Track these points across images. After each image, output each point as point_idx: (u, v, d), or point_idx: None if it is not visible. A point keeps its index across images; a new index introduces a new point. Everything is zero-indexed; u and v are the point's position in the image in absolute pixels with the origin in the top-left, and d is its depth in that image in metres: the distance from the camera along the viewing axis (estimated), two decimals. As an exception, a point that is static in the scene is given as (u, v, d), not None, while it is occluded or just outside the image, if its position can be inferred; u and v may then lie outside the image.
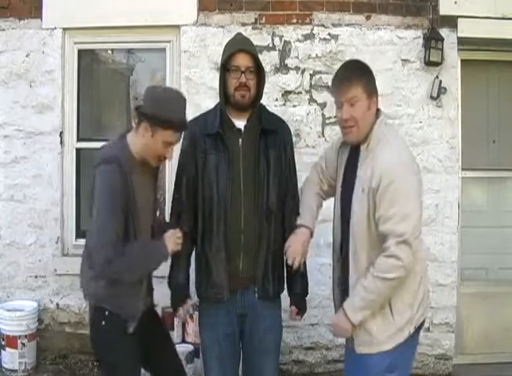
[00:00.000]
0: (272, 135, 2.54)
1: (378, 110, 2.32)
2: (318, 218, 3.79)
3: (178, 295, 2.61)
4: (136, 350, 2.42)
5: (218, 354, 2.53)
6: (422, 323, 2.31)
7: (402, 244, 2.10)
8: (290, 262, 2.39)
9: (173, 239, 2.39)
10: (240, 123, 2.52)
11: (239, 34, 2.71)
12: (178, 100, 2.37)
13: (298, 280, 2.62)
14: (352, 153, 2.35)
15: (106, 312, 2.36)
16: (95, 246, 2.27)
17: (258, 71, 2.51)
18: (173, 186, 2.66)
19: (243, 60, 2.46)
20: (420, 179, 2.25)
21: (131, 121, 4.28)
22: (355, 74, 2.26)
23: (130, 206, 2.31)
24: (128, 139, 2.39)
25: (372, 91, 2.27)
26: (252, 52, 2.49)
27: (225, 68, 2.48)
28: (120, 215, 2.27)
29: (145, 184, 2.45)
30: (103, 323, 2.37)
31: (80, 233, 4.17)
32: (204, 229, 2.51)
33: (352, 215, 2.25)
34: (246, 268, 2.50)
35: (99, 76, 4.37)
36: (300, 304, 2.65)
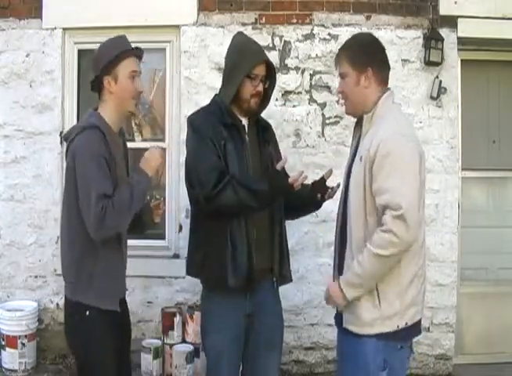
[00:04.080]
0: (266, 131, 2.71)
1: (388, 89, 2.32)
2: (317, 219, 3.83)
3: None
4: (114, 344, 2.37)
5: (228, 357, 2.53)
6: (417, 326, 2.26)
7: (397, 220, 2.04)
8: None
9: (152, 161, 2.36)
10: (244, 120, 2.61)
11: (249, 37, 2.74)
12: (118, 37, 2.50)
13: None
14: (359, 130, 2.38)
15: (87, 312, 2.32)
16: (89, 204, 2.22)
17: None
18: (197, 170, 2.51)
19: (262, 69, 2.55)
20: (422, 154, 2.21)
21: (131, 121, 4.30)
22: (342, 51, 2.34)
23: (113, 172, 2.31)
24: (98, 112, 2.42)
25: (362, 65, 2.25)
26: (268, 62, 2.60)
27: (247, 74, 2.52)
28: (109, 174, 2.27)
29: (120, 157, 2.44)
30: (84, 319, 2.33)
31: (80, 233, 4.17)
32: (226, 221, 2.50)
33: (350, 185, 2.24)
34: (259, 261, 2.51)
35: (99, 76, 4.36)
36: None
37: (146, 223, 2.61)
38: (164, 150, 4.11)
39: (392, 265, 2.12)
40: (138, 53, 2.50)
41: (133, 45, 2.51)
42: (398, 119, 2.26)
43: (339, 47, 2.39)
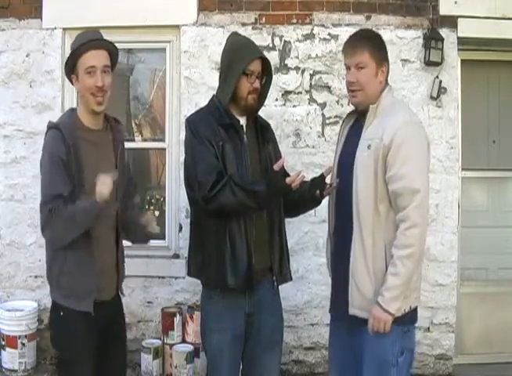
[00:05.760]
0: (265, 130, 2.71)
1: (387, 84, 2.38)
2: (317, 219, 3.83)
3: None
4: (92, 346, 2.33)
5: (229, 357, 2.54)
6: (416, 312, 2.31)
7: (419, 209, 2.15)
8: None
9: (103, 188, 2.18)
10: (242, 120, 2.61)
11: (243, 36, 2.75)
12: (85, 32, 2.38)
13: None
14: (358, 120, 2.41)
15: (61, 312, 2.33)
16: (40, 204, 2.25)
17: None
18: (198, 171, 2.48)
19: (258, 66, 2.56)
20: (429, 142, 2.32)
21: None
22: (363, 40, 2.35)
23: (75, 174, 2.24)
24: (76, 111, 2.42)
25: (381, 59, 2.33)
26: (264, 58, 2.61)
27: (243, 71, 2.52)
28: (65, 176, 2.22)
29: (101, 158, 2.36)
30: (59, 318, 2.34)
31: (80, 233, 4.17)
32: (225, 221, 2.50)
33: (355, 174, 2.28)
34: (259, 260, 2.52)
35: (98, 76, 4.36)
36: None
37: (148, 235, 2.57)
38: (163, 150, 4.14)
39: (423, 250, 2.21)
40: (99, 45, 2.29)
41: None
42: (405, 108, 2.37)
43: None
